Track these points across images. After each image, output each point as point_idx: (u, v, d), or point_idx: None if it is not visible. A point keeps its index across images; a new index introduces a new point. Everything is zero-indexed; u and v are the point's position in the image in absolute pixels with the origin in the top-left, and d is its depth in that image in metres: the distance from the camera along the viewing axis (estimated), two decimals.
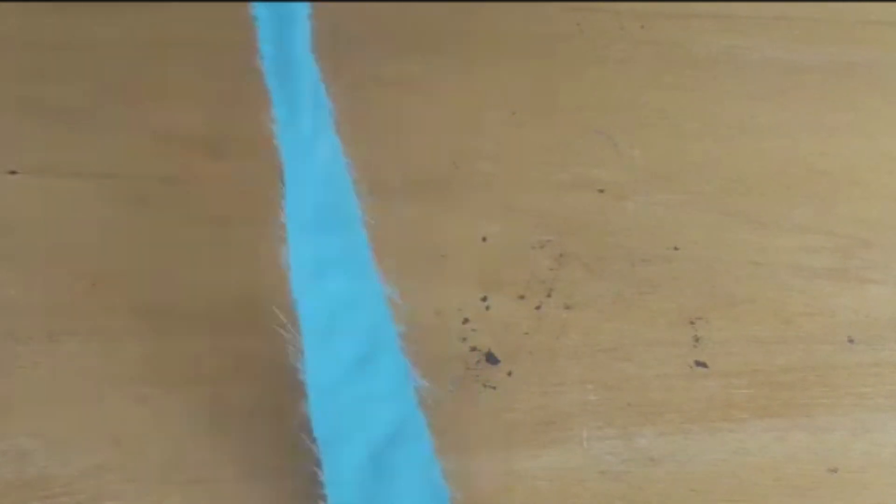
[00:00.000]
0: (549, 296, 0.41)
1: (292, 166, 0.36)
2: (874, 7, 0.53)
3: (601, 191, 0.45)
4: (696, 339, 0.41)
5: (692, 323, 0.41)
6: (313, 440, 0.34)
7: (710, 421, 0.38)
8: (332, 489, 0.33)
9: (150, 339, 0.39)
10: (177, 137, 0.45)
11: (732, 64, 0.50)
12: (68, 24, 0.48)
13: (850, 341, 0.41)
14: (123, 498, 0.35)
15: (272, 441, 0.37)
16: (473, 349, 0.40)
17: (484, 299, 0.41)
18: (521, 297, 0.41)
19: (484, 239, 0.43)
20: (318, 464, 0.33)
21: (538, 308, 0.41)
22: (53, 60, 0.47)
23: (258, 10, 0.38)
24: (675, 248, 0.43)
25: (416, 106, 0.47)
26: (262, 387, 0.38)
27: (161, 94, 0.46)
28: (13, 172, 0.43)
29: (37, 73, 0.46)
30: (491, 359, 0.39)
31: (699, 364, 0.40)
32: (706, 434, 0.38)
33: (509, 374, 0.39)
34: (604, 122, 0.47)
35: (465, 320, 0.40)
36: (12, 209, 0.42)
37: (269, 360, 0.38)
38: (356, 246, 0.37)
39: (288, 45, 0.38)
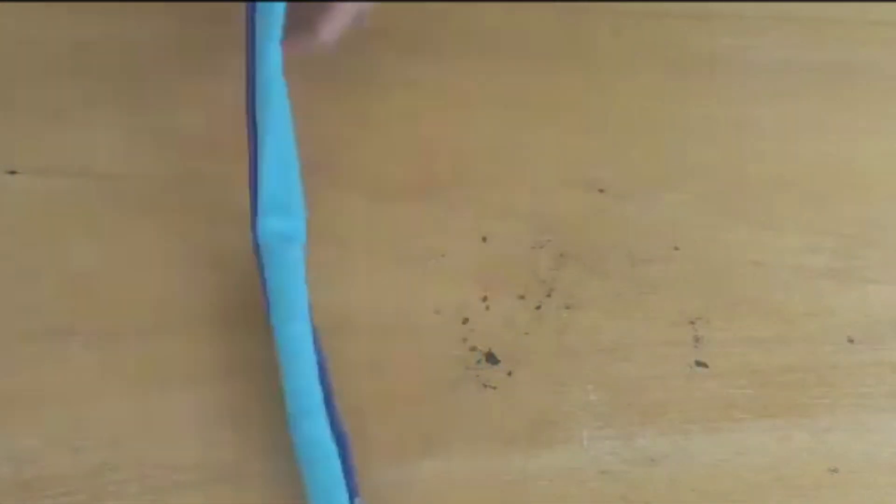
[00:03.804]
0: (549, 296, 0.41)
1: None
2: (875, 7, 0.53)
3: (601, 191, 0.45)
4: (696, 339, 0.41)
5: (692, 323, 0.41)
6: None
7: (710, 421, 0.38)
8: None
9: (150, 339, 0.39)
10: (177, 137, 0.45)
11: (732, 64, 0.50)
12: (68, 24, 0.48)
13: (850, 341, 0.41)
14: (123, 498, 0.35)
15: (272, 441, 0.37)
16: (473, 349, 0.40)
17: (484, 299, 0.41)
18: (521, 297, 0.41)
19: (484, 239, 0.43)
20: None
21: (538, 308, 0.41)
22: (54, 60, 0.47)
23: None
24: (675, 248, 0.43)
25: (416, 106, 0.47)
26: (262, 387, 0.38)
27: (161, 94, 0.46)
28: (13, 172, 0.43)
29: (37, 73, 0.46)
30: (491, 359, 0.39)
31: (699, 364, 0.40)
32: (706, 434, 0.38)
33: (509, 374, 0.39)
34: (604, 123, 0.47)
35: (465, 320, 0.40)
36: (12, 209, 0.42)
37: (269, 360, 0.38)
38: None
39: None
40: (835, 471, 0.37)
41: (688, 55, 0.50)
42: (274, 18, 0.39)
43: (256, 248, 0.39)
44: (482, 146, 0.46)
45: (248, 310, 0.40)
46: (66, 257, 0.41)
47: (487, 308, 0.41)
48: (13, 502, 0.35)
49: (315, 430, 0.35)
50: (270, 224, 0.39)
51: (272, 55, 0.39)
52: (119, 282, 0.40)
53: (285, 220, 0.39)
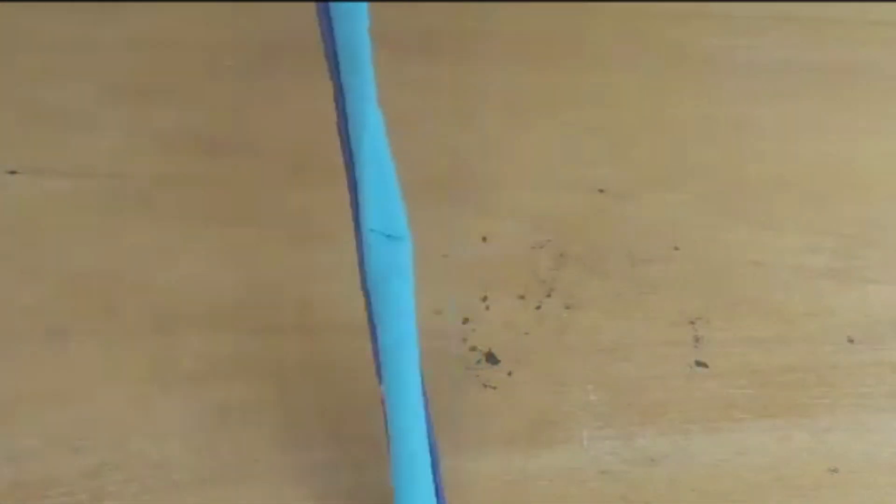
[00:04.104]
0: (549, 296, 0.41)
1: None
2: (875, 7, 0.53)
3: (601, 191, 0.45)
4: (696, 339, 0.41)
5: (692, 323, 0.41)
6: None
7: (710, 421, 0.38)
8: None
9: (150, 339, 0.39)
10: (177, 137, 0.45)
11: (732, 64, 0.50)
12: (69, 24, 0.48)
13: (850, 341, 0.41)
14: (123, 498, 0.35)
15: (272, 441, 0.37)
16: (473, 349, 0.40)
17: (484, 299, 0.41)
18: (521, 297, 0.41)
19: (484, 239, 0.43)
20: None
21: (538, 308, 0.41)
22: (53, 60, 0.47)
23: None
24: (675, 248, 0.43)
25: (416, 106, 0.47)
26: (262, 387, 0.38)
27: (161, 94, 0.46)
28: (13, 172, 0.43)
29: (37, 73, 0.46)
30: (491, 359, 0.39)
31: (699, 364, 0.40)
32: (706, 434, 0.38)
33: (509, 374, 0.39)
34: (604, 122, 0.47)
35: (465, 320, 0.40)
36: (12, 209, 0.42)
37: (270, 360, 0.38)
38: None
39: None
40: (835, 471, 0.37)
41: (687, 55, 0.50)
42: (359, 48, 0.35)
43: (365, 281, 0.36)
44: (482, 146, 0.46)
45: (249, 309, 0.40)
46: (66, 257, 0.41)
47: (487, 308, 0.41)
48: (13, 502, 0.35)
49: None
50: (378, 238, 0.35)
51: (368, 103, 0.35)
52: (119, 282, 0.40)
53: (393, 242, 0.36)
